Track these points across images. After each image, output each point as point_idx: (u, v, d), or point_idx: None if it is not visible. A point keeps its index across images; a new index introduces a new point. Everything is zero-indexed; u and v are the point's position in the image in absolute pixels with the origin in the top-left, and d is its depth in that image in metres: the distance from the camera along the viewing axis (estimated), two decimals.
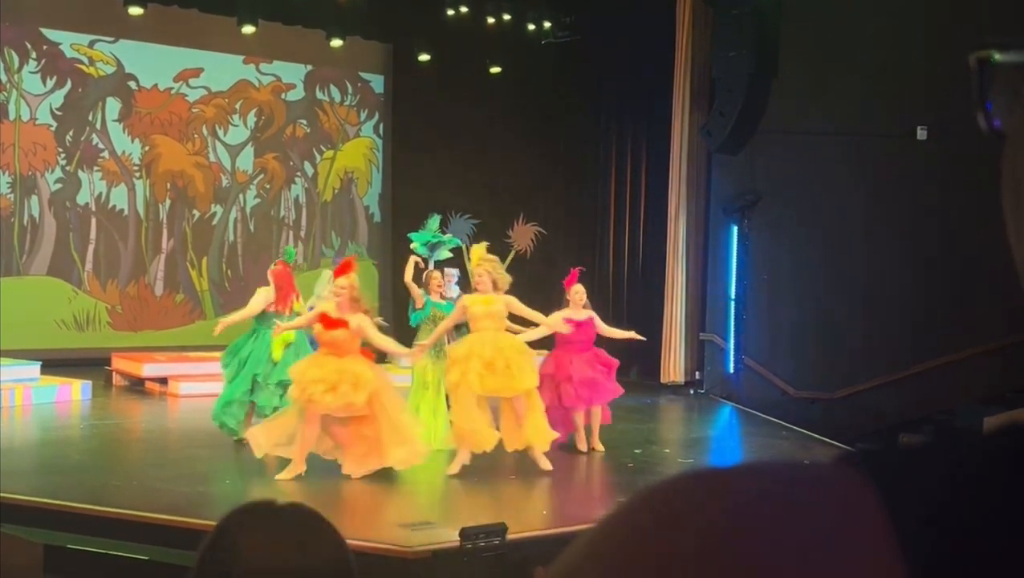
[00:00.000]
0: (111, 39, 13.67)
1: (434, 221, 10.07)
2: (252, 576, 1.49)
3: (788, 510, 0.46)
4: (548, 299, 9.64)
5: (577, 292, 8.91)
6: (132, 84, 13.95)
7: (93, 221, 13.79)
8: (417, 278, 9.26)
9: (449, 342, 8.69)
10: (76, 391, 10.96)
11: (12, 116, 13.19)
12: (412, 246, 9.90)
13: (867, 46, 10.59)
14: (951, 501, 0.46)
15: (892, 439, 8.75)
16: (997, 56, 0.52)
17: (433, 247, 9.87)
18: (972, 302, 9.37)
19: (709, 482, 0.49)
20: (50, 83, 13.45)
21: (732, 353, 12.43)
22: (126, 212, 13.99)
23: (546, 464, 7.78)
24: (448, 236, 10.19)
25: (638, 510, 0.49)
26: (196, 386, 11.42)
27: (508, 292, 8.17)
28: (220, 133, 14.61)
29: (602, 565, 0.48)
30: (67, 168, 13.61)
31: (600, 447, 8.88)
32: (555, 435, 8.09)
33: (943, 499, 0.46)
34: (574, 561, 0.50)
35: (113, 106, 13.86)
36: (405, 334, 9.24)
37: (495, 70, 14.87)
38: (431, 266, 9.62)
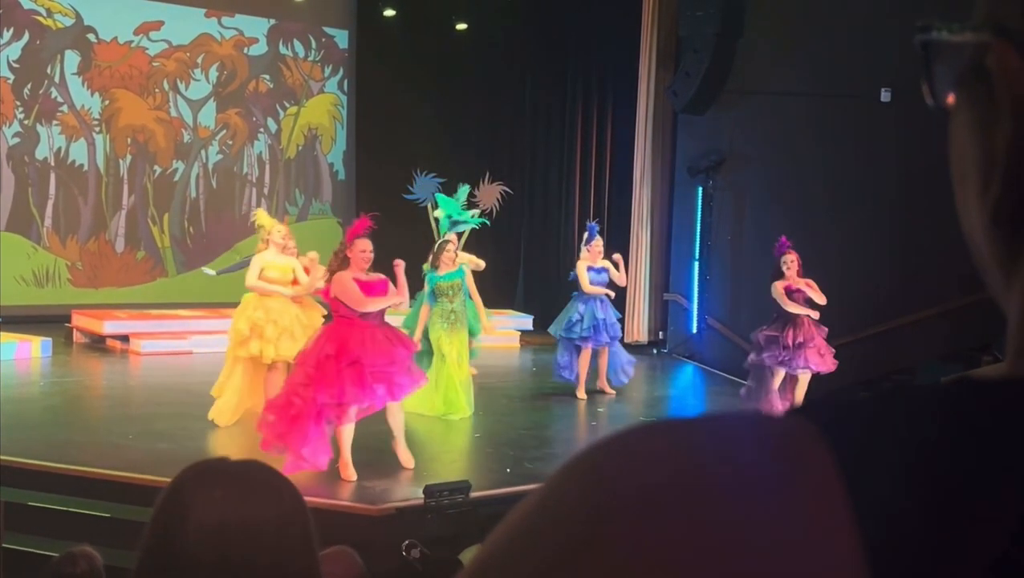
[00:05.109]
0: None
1: (463, 192, 9.71)
2: (206, 531, 1.49)
3: (735, 463, 0.46)
4: (511, 256, 9.65)
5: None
6: (91, 37, 13.72)
7: (52, 176, 13.60)
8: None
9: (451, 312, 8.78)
10: (36, 348, 10.85)
11: None
12: (437, 214, 9.47)
13: (832, 7, 10.59)
14: (900, 452, 0.46)
15: (852, 391, 8.85)
16: (941, 34, 0.53)
17: (455, 223, 9.54)
18: (933, 263, 9.46)
19: (653, 437, 0.49)
20: (7, 35, 13.20)
21: (695, 313, 12.51)
22: (86, 167, 13.80)
23: None
24: (475, 215, 9.74)
25: (576, 470, 0.49)
26: (157, 344, 11.36)
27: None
28: (181, 87, 14.41)
29: (535, 531, 0.48)
30: (25, 122, 13.39)
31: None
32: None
33: (892, 450, 0.46)
34: (511, 523, 0.50)
35: (72, 59, 13.63)
36: None
37: (461, 27, 14.75)
38: (447, 236, 9.26)
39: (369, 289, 6.76)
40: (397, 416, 6.86)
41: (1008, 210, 0.51)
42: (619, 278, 9.74)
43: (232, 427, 7.85)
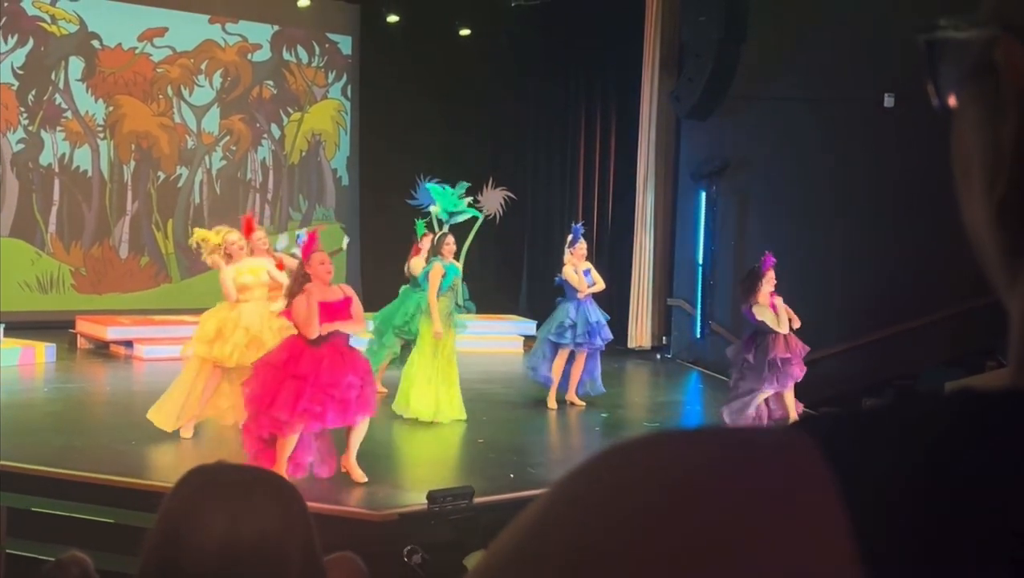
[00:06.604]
0: None
1: (461, 188, 9.69)
2: (209, 537, 1.49)
3: (734, 477, 0.46)
4: (515, 261, 9.64)
5: None
6: (95, 43, 13.74)
7: (56, 182, 13.62)
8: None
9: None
10: (40, 354, 10.87)
11: None
12: (433, 209, 9.51)
13: (836, 12, 10.60)
14: (899, 468, 0.46)
15: (855, 404, 8.84)
16: (947, 32, 0.53)
17: (452, 215, 9.44)
18: (936, 267, 9.46)
19: (656, 448, 0.49)
20: (11, 41, 13.22)
21: (699, 318, 12.50)
22: (90, 173, 13.82)
23: None
24: (469, 205, 9.71)
25: (580, 480, 0.49)
26: (161, 349, 11.35)
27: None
28: (185, 94, 14.43)
29: (539, 538, 0.48)
30: (29, 128, 13.41)
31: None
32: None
33: (892, 466, 0.46)
34: (515, 530, 0.50)
35: (76, 65, 13.65)
36: (371, 298, 9.14)
37: (464, 32, 14.77)
38: (445, 229, 9.23)
39: (330, 311, 6.41)
40: (359, 431, 6.62)
41: (1014, 206, 0.51)
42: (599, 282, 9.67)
43: (233, 431, 7.83)
